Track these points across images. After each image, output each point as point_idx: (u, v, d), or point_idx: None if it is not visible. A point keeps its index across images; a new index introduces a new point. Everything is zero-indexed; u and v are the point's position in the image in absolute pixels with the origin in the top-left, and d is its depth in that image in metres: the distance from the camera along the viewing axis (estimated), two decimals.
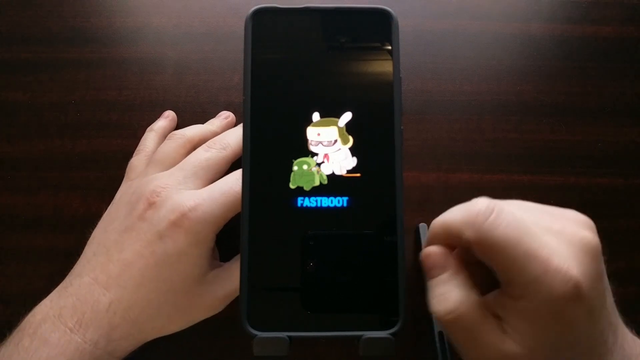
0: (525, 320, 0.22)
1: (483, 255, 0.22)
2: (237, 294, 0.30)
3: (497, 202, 0.23)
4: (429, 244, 0.25)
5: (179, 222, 0.29)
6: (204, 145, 0.33)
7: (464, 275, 0.24)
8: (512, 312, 0.22)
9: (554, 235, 0.23)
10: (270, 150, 0.24)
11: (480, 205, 0.22)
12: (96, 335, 0.27)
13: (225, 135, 0.34)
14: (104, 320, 0.28)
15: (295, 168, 0.24)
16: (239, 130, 0.34)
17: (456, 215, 0.23)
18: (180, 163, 0.32)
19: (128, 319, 0.28)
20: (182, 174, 0.31)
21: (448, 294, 0.23)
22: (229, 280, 0.30)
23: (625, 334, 0.25)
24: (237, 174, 0.30)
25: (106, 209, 0.33)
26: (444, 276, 0.24)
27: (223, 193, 0.29)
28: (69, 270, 0.30)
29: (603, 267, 0.23)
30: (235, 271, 0.31)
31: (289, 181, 0.24)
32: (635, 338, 0.25)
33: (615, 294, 0.27)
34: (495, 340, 0.22)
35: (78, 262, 0.31)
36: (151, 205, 0.30)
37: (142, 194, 0.30)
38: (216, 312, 0.31)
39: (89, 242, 0.32)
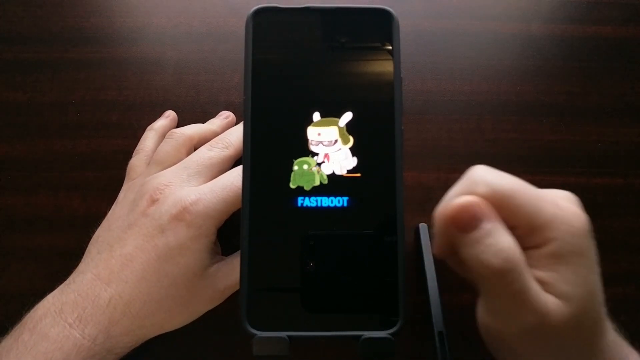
0: (555, 264, 0.22)
1: (499, 208, 0.22)
2: (238, 287, 0.30)
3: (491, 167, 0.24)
4: (439, 229, 0.24)
5: (181, 215, 0.29)
6: (206, 145, 0.33)
7: (504, 224, 0.22)
8: (540, 263, 0.22)
9: (546, 191, 0.24)
10: (270, 150, 0.24)
11: (479, 168, 0.24)
12: (95, 331, 0.27)
13: (227, 134, 0.34)
14: (104, 315, 0.28)
15: (295, 168, 0.24)
16: (241, 129, 0.34)
17: (460, 186, 0.24)
18: (183, 161, 0.32)
19: (129, 313, 0.28)
20: (186, 172, 0.31)
21: (501, 241, 0.22)
22: (231, 274, 0.31)
23: None
24: (238, 170, 0.30)
25: (106, 208, 0.33)
26: (490, 225, 0.22)
27: (224, 188, 0.30)
28: (69, 270, 0.31)
29: None
30: (236, 264, 0.31)
31: (289, 181, 0.24)
32: None
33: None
34: (541, 291, 0.22)
35: (82, 260, 0.31)
36: (154, 202, 0.30)
37: (145, 191, 0.31)
38: (217, 304, 0.31)
39: (92, 241, 0.32)
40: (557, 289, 0.22)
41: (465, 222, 0.22)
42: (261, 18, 0.25)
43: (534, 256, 0.23)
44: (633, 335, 0.27)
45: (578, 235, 0.22)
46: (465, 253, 0.23)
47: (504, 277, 0.21)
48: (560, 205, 0.23)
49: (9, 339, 0.27)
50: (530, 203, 0.22)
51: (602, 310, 0.24)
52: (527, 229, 0.23)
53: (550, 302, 0.22)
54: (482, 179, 0.23)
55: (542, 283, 0.22)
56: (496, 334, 0.24)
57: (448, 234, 0.23)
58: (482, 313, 0.25)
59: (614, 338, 0.25)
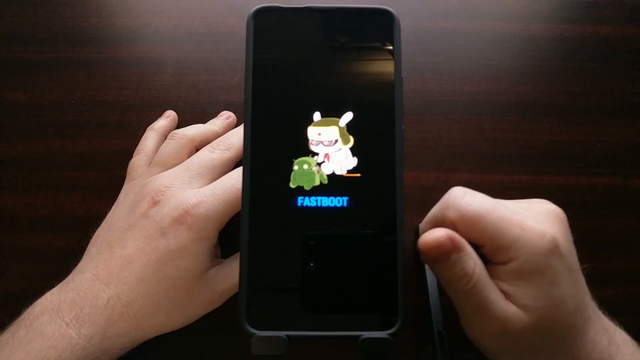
0: (517, 280, 0.25)
1: (468, 230, 0.25)
2: (237, 289, 0.30)
3: (468, 189, 0.26)
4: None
5: (182, 218, 0.29)
6: (208, 146, 0.33)
7: (470, 249, 0.25)
8: (504, 277, 0.25)
9: (523, 209, 0.26)
10: (270, 150, 0.24)
11: (455, 190, 0.26)
12: (91, 331, 0.27)
13: (229, 135, 0.34)
14: (101, 316, 0.28)
15: (295, 167, 0.24)
16: (242, 130, 0.34)
17: (437, 207, 0.27)
18: (185, 163, 0.32)
19: (126, 315, 0.28)
20: (188, 174, 0.31)
21: (465, 267, 0.24)
22: (229, 276, 0.31)
23: (597, 309, 0.27)
24: (239, 171, 0.30)
25: (106, 208, 0.33)
26: (456, 256, 0.24)
27: (225, 190, 0.30)
28: (69, 270, 0.31)
29: (571, 235, 0.26)
30: (235, 267, 0.31)
31: (289, 181, 0.24)
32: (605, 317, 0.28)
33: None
34: (501, 302, 0.25)
35: (82, 259, 0.31)
36: (155, 203, 0.30)
37: (147, 192, 0.31)
38: (215, 307, 0.31)
39: (92, 241, 0.32)
40: (518, 301, 0.25)
41: (436, 256, 0.25)
42: (262, 18, 0.25)
43: (500, 271, 0.25)
44: (633, 335, 0.28)
45: (539, 254, 0.24)
46: (437, 275, 0.26)
47: (467, 293, 0.25)
48: (526, 226, 0.25)
49: (6, 335, 0.28)
50: (495, 226, 0.25)
51: (576, 316, 0.25)
52: (492, 248, 0.25)
53: (511, 311, 0.25)
54: (454, 204, 0.25)
55: (506, 294, 0.25)
56: (471, 336, 0.28)
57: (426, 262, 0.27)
58: (460, 318, 0.28)
59: (592, 341, 0.26)
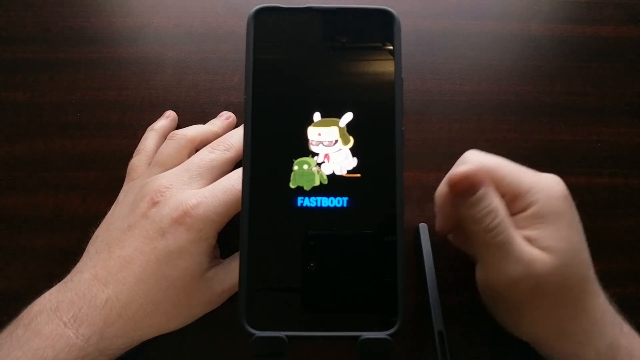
0: (538, 223, 0.26)
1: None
2: (236, 289, 0.30)
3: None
4: (440, 206, 0.29)
5: (182, 219, 0.29)
6: (207, 147, 0.33)
7: (495, 188, 0.26)
8: (525, 224, 0.26)
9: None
10: (270, 150, 0.24)
11: (470, 151, 0.28)
12: (89, 331, 0.27)
13: (229, 136, 0.34)
14: (99, 316, 0.28)
15: (295, 168, 0.24)
16: (242, 131, 0.34)
17: (455, 168, 0.27)
18: (185, 163, 0.32)
19: (125, 315, 0.28)
20: (187, 175, 0.31)
21: (490, 203, 0.25)
22: (228, 277, 0.31)
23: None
24: (239, 172, 0.30)
25: (106, 208, 0.33)
26: (484, 190, 0.25)
27: (225, 191, 0.30)
28: (69, 270, 0.31)
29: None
30: (234, 267, 0.31)
31: (289, 181, 0.24)
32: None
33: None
34: (525, 244, 0.25)
35: (81, 259, 0.31)
36: (155, 204, 0.30)
37: (146, 193, 0.31)
38: (214, 307, 0.31)
39: (91, 240, 0.32)
40: (541, 243, 0.25)
41: (465, 188, 0.25)
42: (262, 18, 0.25)
43: (520, 219, 0.26)
44: None
45: (556, 197, 0.26)
46: (463, 214, 0.26)
47: (491, 230, 0.25)
48: (540, 175, 0.27)
49: (4, 333, 0.28)
50: (512, 174, 0.26)
51: (589, 271, 0.26)
52: (512, 197, 0.26)
53: (535, 252, 0.25)
54: (471, 158, 0.27)
55: (528, 239, 0.26)
56: (490, 286, 0.28)
57: (451, 201, 0.27)
58: (478, 270, 0.28)
59: (604, 303, 0.27)
